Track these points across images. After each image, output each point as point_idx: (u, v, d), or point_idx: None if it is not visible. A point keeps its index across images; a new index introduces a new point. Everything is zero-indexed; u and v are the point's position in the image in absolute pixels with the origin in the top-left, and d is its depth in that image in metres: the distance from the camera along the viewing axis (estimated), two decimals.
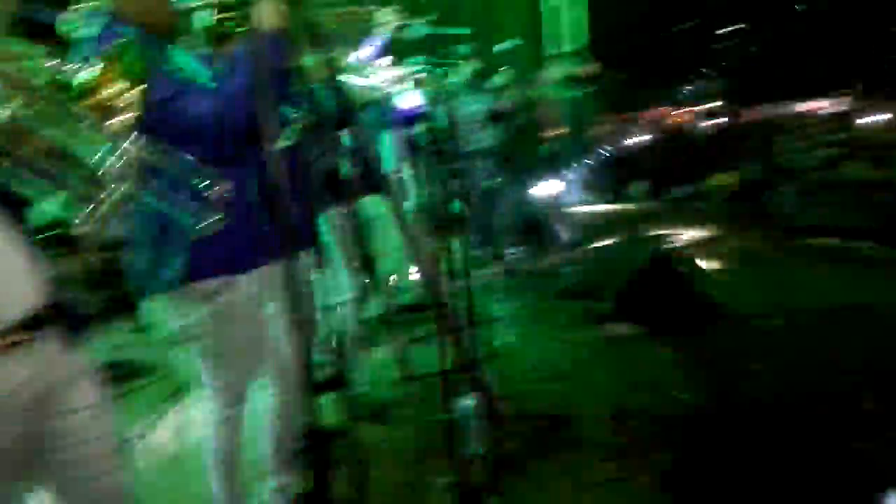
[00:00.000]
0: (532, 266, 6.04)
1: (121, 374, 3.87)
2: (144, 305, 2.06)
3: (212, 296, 2.02)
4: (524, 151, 8.36)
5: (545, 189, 7.25)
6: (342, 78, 2.95)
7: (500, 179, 6.55)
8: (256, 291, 2.15)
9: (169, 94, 1.83)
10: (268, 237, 2.10)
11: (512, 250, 6.37)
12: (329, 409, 2.01)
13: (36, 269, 1.50)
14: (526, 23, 8.75)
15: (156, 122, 1.56)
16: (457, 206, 6.75)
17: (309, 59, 2.48)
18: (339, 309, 3.48)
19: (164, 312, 2.04)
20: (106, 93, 1.31)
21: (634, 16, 10.04)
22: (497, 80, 6.14)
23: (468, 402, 3.20)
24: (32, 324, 1.47)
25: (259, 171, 2.01)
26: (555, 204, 7.23)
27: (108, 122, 1.32)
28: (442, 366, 3.07)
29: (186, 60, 2.08)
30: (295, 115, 2.31)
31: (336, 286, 3.49)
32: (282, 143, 1.73)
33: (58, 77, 1.32)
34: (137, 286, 2.04)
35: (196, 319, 2.02)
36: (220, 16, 2.08)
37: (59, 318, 1.53)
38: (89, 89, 1.31)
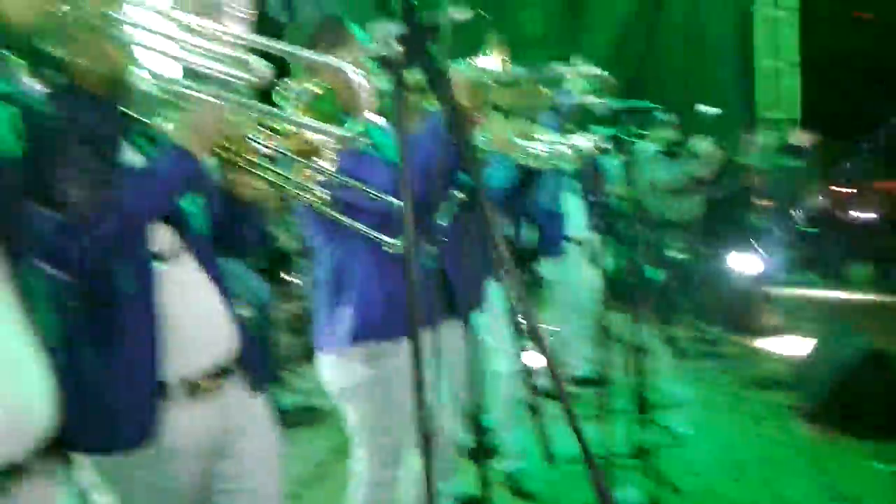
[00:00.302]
0: (727, 348, 5.56)
1: (297, 420, 4.04)
2: (317, 357, 2.16)
3: (376, 358, 2.07)
4: (726, 222, 7.88)
5: (748, 265, 6.72)
6: (526, 145, 3.00)
7: (697, 251, 6.18)
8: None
9: (353, 164, 1.94)
10: (436, 301, 2.15)
11: (705, 329, 5.91)
12: (478, 478, 1.98)
13: (230, 314, 1.60)
14: (737, 85, 8.33)
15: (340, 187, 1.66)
16: (645, 277, 6.51)
17: (487, 132, 2.58)
18: (504, 377, 3.44)
19: (332, 367, 2.11)
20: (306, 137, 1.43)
21: (856, 79, 9.17)
22: (698, 145, 5.85)
23: (632, 492, 2.99)
24: (222, 371, 1.58)
25: (431, 237, 2.09)
26: (758, 282, 6.66)
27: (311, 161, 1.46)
28: (608, 448, 2.92)
29: (378, 133, 2.21)
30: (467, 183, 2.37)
31: (504, 352, 3.46)
32: (449, 213, 1.75)
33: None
34: (314, 337, 2.15)
35: (359, 379, 2.07)
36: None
37: (247, 364, 1.63)
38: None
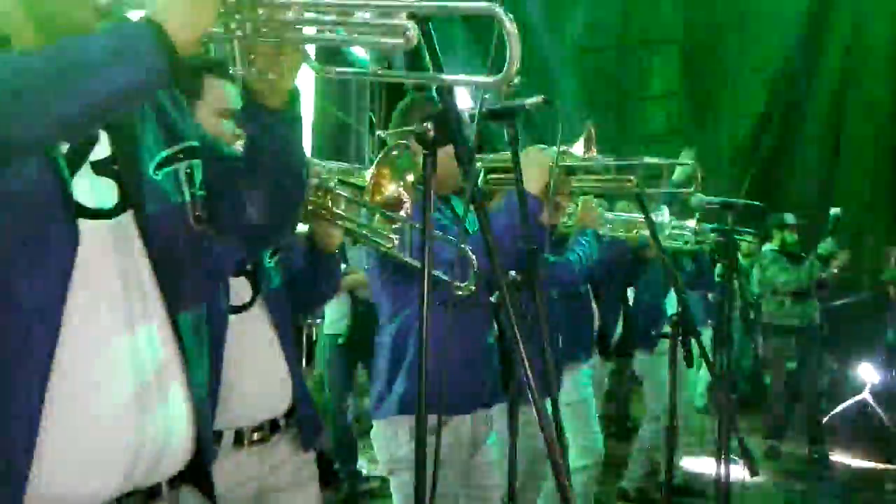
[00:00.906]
0: (838, 471, 5.04)
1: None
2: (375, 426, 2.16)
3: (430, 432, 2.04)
4: (852, 333, 7.28)
5: (874, 380, 6.13)
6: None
7: (813, 360, 5.73)
8: (473, 436, 2.14)
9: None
10: (497, 379, 2.12)
11: (816, 447, 5.39)
12: None
13: (290, 370, 1.67)
14: (885, 189, 7.84)
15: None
16: (753, 382, 6.08)
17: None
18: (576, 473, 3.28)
19: (382, 436, 2.11)
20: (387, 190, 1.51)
21: None
22: (822, 248, 5.52)
23: None
24: (273, 425, 1.64)
25: (496, 315, 2.08)
26: (882, 400, 6.05)
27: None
28: None
29: (460, 208, 2.27)
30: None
31: (581, 446, 3.31)
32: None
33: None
34: (371, 402, 2.17)
35: (406, 452, 2.04)
36: (489, 176, 2.23)
37: (300, 421, 1.68)
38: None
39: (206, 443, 1.14)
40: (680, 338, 2.28)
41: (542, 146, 2.23)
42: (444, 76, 1.00)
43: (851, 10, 7.88)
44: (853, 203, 7.31)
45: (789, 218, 5.72)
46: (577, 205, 2.65)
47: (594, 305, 3.42)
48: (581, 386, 3.25)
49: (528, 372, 1.17)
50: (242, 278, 1.62)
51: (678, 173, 3.52)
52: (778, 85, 8.08)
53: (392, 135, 1.47)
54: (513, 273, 1.57)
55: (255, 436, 1.61)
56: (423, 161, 1.08)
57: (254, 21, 0.95)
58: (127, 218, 1.03)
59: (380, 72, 1.30)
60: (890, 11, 7.71)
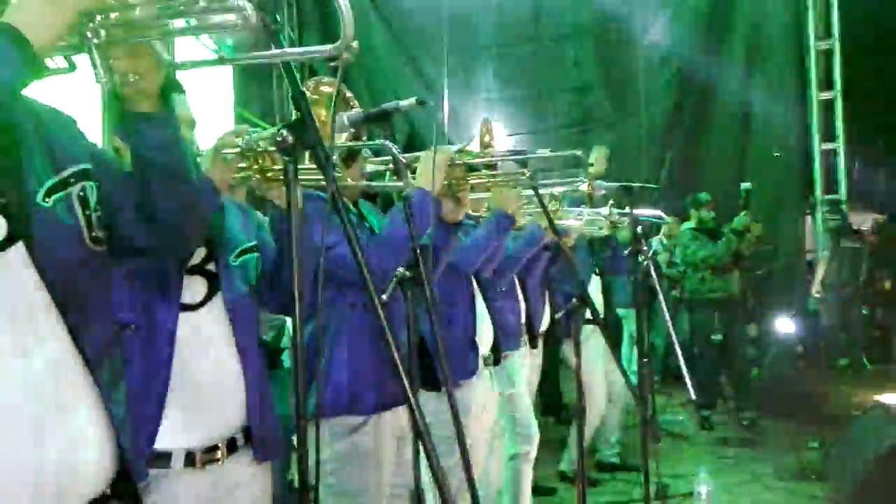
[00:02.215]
0: (764, 436, 5.27)
1: None
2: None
3: (344, 435, 2.06)
4: (770, 302, 7.63)
5: (794, 348, 6.45)
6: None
7: (738, 332, 5.99)
8: (396, 433, 2.18)
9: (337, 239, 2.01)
10: (421, 372, 2.16)
11: (743, 414, 5.64)
12: None
13: (249, 382, 1.57)
14: (795, 165, 8.21)
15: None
16: (684, 357, 6.30)
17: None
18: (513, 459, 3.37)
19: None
20: None
21: None
22: (736, 222, 5.78)
23: None
24: (232, 444, 1.57)
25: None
26: (803, 366, 6.38)
27: None
28: None
29: (370, 213, 2.31)
30: None
31: (517, 434, 3.40)
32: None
33: None
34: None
35: (330, 455, 2.05)
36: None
37: (256, 437, 1.60)
38: None
39: (130, 463, 1.13)
40: (583, 322, 2.36)
41: (447, 146, 2.30)
42: (288, 50, 1.03)
43: None
44: (766, 178, 7.63)
45: (704, 196, 5.97)
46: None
47: (521, 296, 3.51)
48: (513, 375, 3.34)
49: (401, 365, 1.20)
50: (197, 277, 1.56)
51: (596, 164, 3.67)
52: (689, 70, 8.38)
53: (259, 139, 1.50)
54: (401, 270, 1.63)
55: (212, 455, 1.53)
56: (285, 167, 1.12)
57: (106, 26, 0.98)
58: (15, 250, 1.02)
59: (224, 56, 1.32)
60: None
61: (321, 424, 2.03)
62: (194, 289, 1.56)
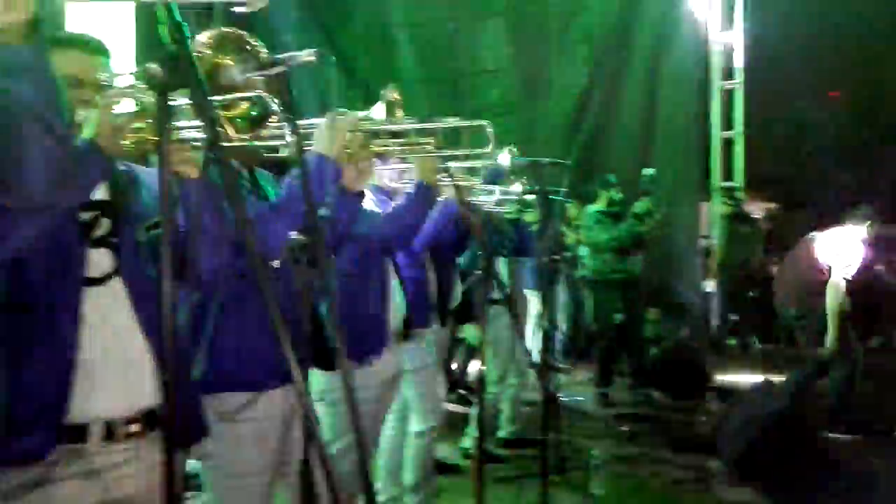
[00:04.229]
0: (660, 410, 5.49)
1: None
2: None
3: (231, 413, 1.95)
4: (668, 284, 7.93)
5: (688, 326, 6.73)
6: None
7: (637, 311, 6.19)
8: (284, 411, 2.07)
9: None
10: (307, 348, 2.05)
11: (640, 390, 5.85)
12: None
13: (154, 364, 1.48)
14: (695, 152, 8.52)
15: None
16: (585, 336, 6.47)
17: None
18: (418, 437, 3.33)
19: None
20: None
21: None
22: (638, 207, 5.94)
23: None
24: (146, 421, 1.48)
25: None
26: (696, 343, 6.67)
27: None
28: None
29: (268, 184, 2.18)
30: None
31: (424, 410, 3.36)
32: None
33: None
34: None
35: (215, 433, 1.94)
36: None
37: (167, 421, 1.48)
38: None
39: None
40: (489, 300, 2.33)
41: (343, 110, 2.19)
42: None
43: None
44: (668, 165, 7.88)
45: (612, 178, 6.10)
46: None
47: (432, 273, 3.45)
48: (424, 352, 3.29)
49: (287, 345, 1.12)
50: (103, 249, 1.45)
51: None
52: (599, 56, 8.53)
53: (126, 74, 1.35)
54: (295, 236, 1.52)
55: (129, 429, 1.46)
56: (157, 105, 0.99)
57: None
58: None
59: None
60: None
61: (207, 401, 1.92)
62: (99, 261, 1.45)
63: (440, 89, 8.28)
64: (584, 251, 6.23)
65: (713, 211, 8.66)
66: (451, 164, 2.51)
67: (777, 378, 4.59)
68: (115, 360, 1.43)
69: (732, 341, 7.99)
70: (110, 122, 1.36)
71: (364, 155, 2.19)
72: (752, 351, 7.91)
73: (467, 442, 4.45)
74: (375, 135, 2.22)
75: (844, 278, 4.60)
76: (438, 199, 2.91)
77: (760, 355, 7.75)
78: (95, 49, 1.49)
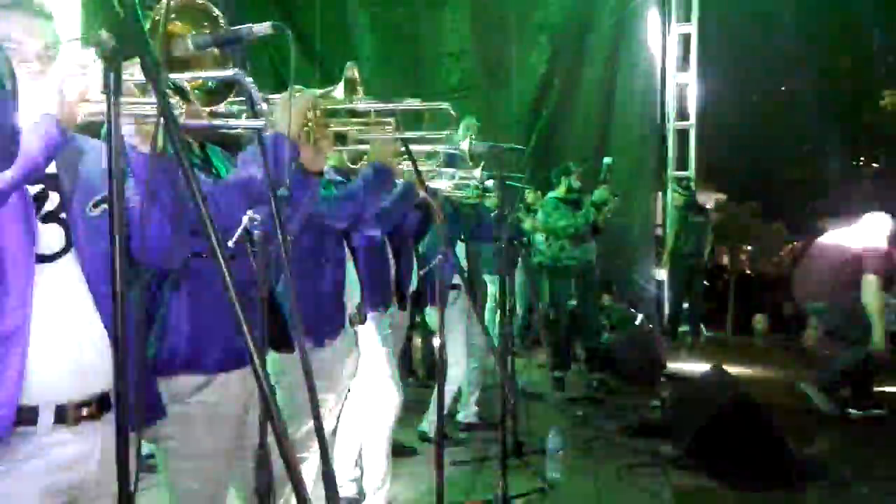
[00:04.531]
0: (613, 395, 5.58)
1: None
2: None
3: (185, 396, 1.91)
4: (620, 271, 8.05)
5: (642, 312, 6.85)
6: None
7: (591, 298, 6.25)
8: (241, 395, 2.03)
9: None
10: (263, 329, 2.01)
11: (593, 375, 5.94)
12: None
13: (106, 344, 1.43)
14: (651, 142, 8.63)
15: None
16: (542, 321, 6.52)
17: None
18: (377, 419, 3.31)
19: None
20: None
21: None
22: (596, 195, 5.98)
23: None
24: (99, 404, 1.44)
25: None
26: (647, 331, 6.80)
27: None
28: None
29: (220, 161, 2.11)
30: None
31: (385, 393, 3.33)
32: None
33: None
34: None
35: (170, 417, 1.88)
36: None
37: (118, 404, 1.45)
38: None
39: None
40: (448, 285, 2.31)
41: (300, 87, 2.14)
42: None
43: None
44: (625, 154, 7.97)
45: (573, 165, 6.13)
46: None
47: (390, 256, 3.41)
48: (381, 336, 3.26)
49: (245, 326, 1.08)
50: (53, 225, 1.39)
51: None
52: (559, 43, 8.56)
53: (73, 41, 1.29)
54: (250, 215, 1.48)
55: (88, 410, 1.42)
56: (104, 75, 0.94)
57: None
58: None
59: None
60: None
61: (161, 383, 1.87)
62: (49, 238, 1.39)
63: (400, 71, 8.23)
64: (539, 238, 6.26)
65: (667, 200, 8.81)
66: (412, 147, 2.48)
67: (727, 366, 4.69)
68: (66, 341, 1.38)
69: (683, 328, 8.16)
70: (64, 94, 1.26)
71: (323, 134, 2.15)
72: (701, 339, 8.11)
73: (425, 425, 4.46)
74: (334, 114, 2.18)
75: (875, 272, 4.69)
76: (397, 181, 2.88)
77: (709, 343, 7.96)
78: (38, 11, 1.41)
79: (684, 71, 8.69)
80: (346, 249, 2.77)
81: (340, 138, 2.29)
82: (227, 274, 0.99)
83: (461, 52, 8.58)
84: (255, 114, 1.59)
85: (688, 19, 8.58)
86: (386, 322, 3.33)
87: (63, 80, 1.17)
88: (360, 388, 3.21)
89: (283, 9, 7.42)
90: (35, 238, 1.34)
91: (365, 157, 2.70)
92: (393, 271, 3.41)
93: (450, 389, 4.35)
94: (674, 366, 6.33)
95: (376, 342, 3.23)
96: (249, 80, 1.54)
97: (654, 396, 5.18)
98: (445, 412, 4.30)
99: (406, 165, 2.66)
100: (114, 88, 0.92)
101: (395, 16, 8.38)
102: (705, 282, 8.53)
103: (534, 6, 8.51)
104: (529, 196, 6.88)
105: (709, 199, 9.48)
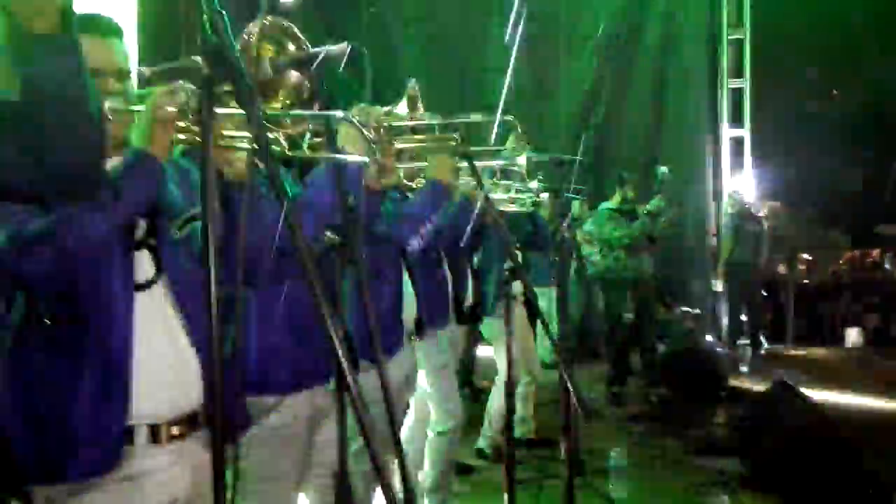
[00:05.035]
0: (674, 412, 5.42)
1: None
2: None
3: (255, 418, 1.90)
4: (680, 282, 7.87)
5: (703, 326, 6.67)
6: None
7: (649, 311, 6.12)
8: (309, 414, 2.03)
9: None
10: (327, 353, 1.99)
11: (653, 391, 5.79)
12: None
13: (200, 362, 1.46)
14: (704, 151, 8.45)
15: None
16: (598, 334, 6.40)
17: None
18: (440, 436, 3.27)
19: None
20: None
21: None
22: (651, 205, 5.88)
23: None
24: (192, 420, 1.46)
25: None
26: (711, 344, 6.60)
27: None
28: None
29: (286, 180, 2.12)
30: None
31: (444, 410, 3.30)
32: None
33: None
34: None
35: (244, 439, 1.89)
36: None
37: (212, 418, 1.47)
38: None
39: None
40: (515, 296, 2.28)
41: (364, 105, 2.13)
42: None
43: None
44: (677, 163, 7.82)
45: (628, 175, 6.04)
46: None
47: (447, 271, 3.39)
48: (441, 351, 3.23)
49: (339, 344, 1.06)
50: (145, 251, 1.41)
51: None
52: (607, 53, 8.48)
53: (159, 72, 1.30)
54: (330, 235, 1.47)
55: (176, 430, 1.44)
56: (200, 102, 0.94)
57: None
58: None
59: None
60: None
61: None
62: (142, 266, 1.41)
63: (448, 85, 8.24)
64: (589, 250, 6.15)
65: (721, 209, 8.60)
66: (476, 163, 2.45)
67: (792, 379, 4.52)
68: (159, 362, 1.39)
69: (743, 341, 7.93)
70: (157, 121, 1.27)
71: (388, 152, 2.14)
72: (761, 350, 7.85)
73: (481, 442, 4.40)
74: (398, 131, 2.17)
75: None
76: (454, 198, 2.85)
77: (770, 356, 7.70)
78: (108, 30, 1.39)
79: (738, 77, 8.50)
80: (403, 265, 2.76)
81: (397, 155, 2.28)
82: (319, 294, 0.97)
83: (508, 66, 8.57)
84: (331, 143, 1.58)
85: (740, 24, 8.40)
86: (445, 338, 3.30)
87: (156, 109, 1.18)
88: (420, 405, 3.18)
89: (327, 27, 7.51)
90: (132, 268, 1.35)
91: (422, 173, 2.69)
92: (449, 286, 3.39)
93: (499, 405, 4.29)
94: (735, 381, 6.14)
95: (436, 357, 3.21)
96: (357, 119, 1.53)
97: (716, 412, 5.03)
98: (496, 428, 4.28)
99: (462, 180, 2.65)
100: (208, 114, 0.91)
101: (441, 29, 8.43)
102: (763, 292, 8.27)
103: (579, 17, 8.46)
104: (576, 207, 6.80)
105: (763, 207, 9.21)
